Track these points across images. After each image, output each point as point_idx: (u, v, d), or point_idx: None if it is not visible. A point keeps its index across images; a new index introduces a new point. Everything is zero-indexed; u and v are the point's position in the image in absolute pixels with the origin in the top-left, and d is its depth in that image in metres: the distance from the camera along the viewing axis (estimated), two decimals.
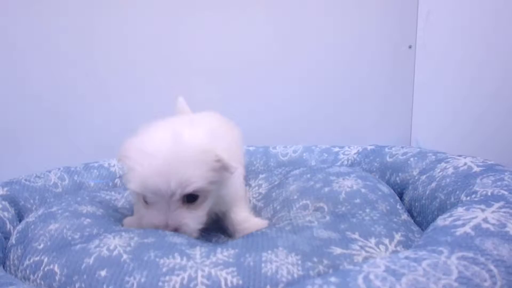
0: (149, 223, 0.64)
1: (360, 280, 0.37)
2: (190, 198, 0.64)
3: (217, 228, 0.79)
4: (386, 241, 0.61)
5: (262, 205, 0.85)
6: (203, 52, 1.32)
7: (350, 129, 1.42)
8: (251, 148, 1.14)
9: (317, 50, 1.37)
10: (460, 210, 0.53)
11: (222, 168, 0.65)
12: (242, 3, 1.31)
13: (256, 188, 0.92)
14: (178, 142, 0.62)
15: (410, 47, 1.39)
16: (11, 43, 1.22)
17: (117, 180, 0.97)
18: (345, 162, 1.03)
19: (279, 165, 1.09)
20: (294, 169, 0.93)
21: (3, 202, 0.73)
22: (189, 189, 0.61)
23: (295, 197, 0.79)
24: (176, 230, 0.63)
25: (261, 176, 0.96)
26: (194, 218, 0.64)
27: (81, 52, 1.26)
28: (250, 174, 1.00)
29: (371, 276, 0.37)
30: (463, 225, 0.46)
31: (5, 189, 0.76)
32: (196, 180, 0.61)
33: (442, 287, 0.35)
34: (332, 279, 0.38)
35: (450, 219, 0.51)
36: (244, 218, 0.75)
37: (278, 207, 0.80)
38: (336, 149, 1.08)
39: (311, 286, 0.37)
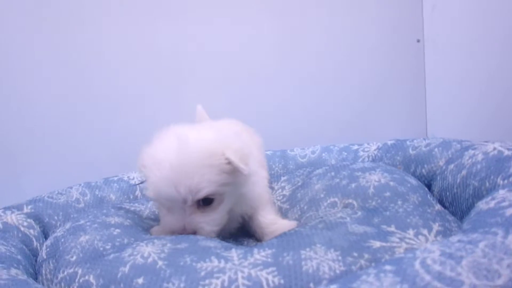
0: (168, 228, 0.64)
1: (417, 265, 0.35)
2: (205, 202, 0.63)
3: (244, 233, 0.78)
4: (425, 231, 0.59)
5: (288, 206, 0.83)
6: (214, 58, 1.32)
7: (364, 127, 1.41)
8: (268, 152, 1.13)
9: (325, 48, 1.37)
10: (502, 192, 0.51)
11: (233, 170, 0.63)
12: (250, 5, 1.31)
13: (280, 190, 0.90)
14: (183, 147, 0.61)
15: (418, 41, 1.38)
16: (27, 58, 1.22)
17: (138, 192, 0.96)
18: (366, 159, 1.01)
19: (298, 167, 1.08)
20: (315, 169, 0.91)
21: (28, 220, 0.73)
22: (200, 195, 0.61)
23: (322, 195, 0.78)
24: (194, 234, 0.63)
25: (283, 178, 0.94)
26: (210, 221, 0.64)
27: (96, 62, 1.26)
28: (270, 177, 0.98)
29: (429, 261, 0.35)
30: (511, 205, 0.45)
31: (29, 207, 0.76)
32: (206, 185, 0.60)
33: (507, 267, 0.34)
34: (387, 267, 0.36)
35: (493, 201, 0.49)
36: (272, 220, 0.74)
37: (305, 207, 0.78)
38: (355, 147, 1.06)
39: (366, 276, 0.35)
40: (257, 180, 0.71)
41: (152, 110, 1.28)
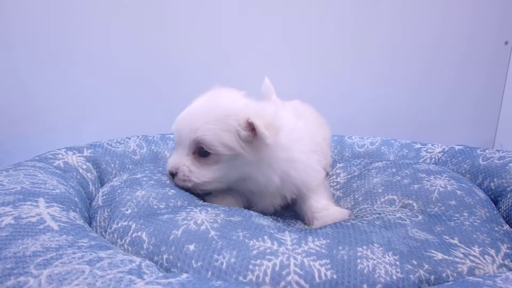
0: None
1: None
2: (202, 153, 0.64)
3: (292, 214, 0.76)
4: (492, 251, 0.54)
5: (341, 194, 0.80)
6: (287, 40, 1.29)
7: (428, 126, 1.33)
8: None
9: (406, 43, 1.29)
10: None
11: (251, 139, 0.62)
12: None
13: (334, 177, 0.87)
14: (210, 99, 0.66)
15: (506, 43, 1.26)
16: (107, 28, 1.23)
17: None
18: (428, 161, 0.95)
19: (354, 156, 1.04)
20: (375, 161, 0.87)
21: (87, 164, 0.74)
22: (194, 136, 0.62)
23: (380, 190, 0.74)
24: (174, 175, 0.66)
25: (338, 165, 0.91)
26: (194, 171, 0.64)
27: (165, 34, 1.26)
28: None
29: None
30: None
31: (89, 151, 0.77)
32: (204, 132, 0.62)
33: None
34: None
35: None
36: (324, 206, 0.71)
37: (359, 199, 0.75)
38: (418, 146, 1.00)
39: None
40: (298, 165, 0.68)
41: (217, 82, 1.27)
